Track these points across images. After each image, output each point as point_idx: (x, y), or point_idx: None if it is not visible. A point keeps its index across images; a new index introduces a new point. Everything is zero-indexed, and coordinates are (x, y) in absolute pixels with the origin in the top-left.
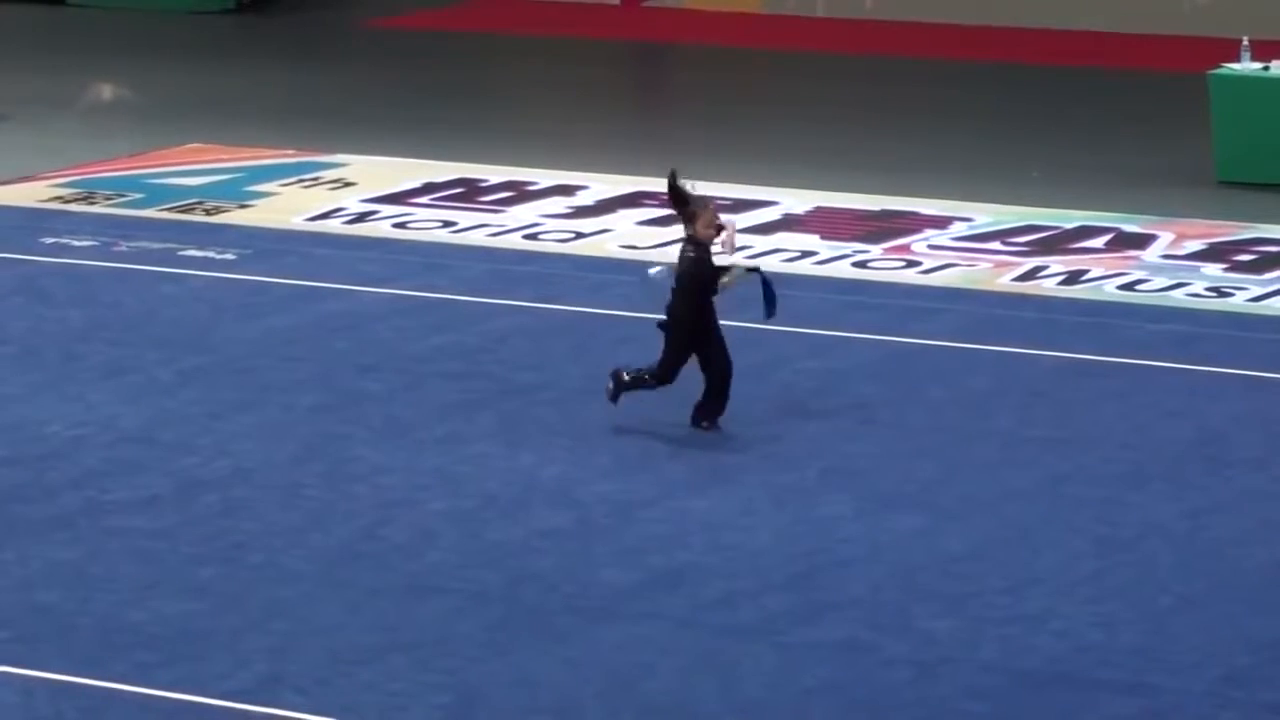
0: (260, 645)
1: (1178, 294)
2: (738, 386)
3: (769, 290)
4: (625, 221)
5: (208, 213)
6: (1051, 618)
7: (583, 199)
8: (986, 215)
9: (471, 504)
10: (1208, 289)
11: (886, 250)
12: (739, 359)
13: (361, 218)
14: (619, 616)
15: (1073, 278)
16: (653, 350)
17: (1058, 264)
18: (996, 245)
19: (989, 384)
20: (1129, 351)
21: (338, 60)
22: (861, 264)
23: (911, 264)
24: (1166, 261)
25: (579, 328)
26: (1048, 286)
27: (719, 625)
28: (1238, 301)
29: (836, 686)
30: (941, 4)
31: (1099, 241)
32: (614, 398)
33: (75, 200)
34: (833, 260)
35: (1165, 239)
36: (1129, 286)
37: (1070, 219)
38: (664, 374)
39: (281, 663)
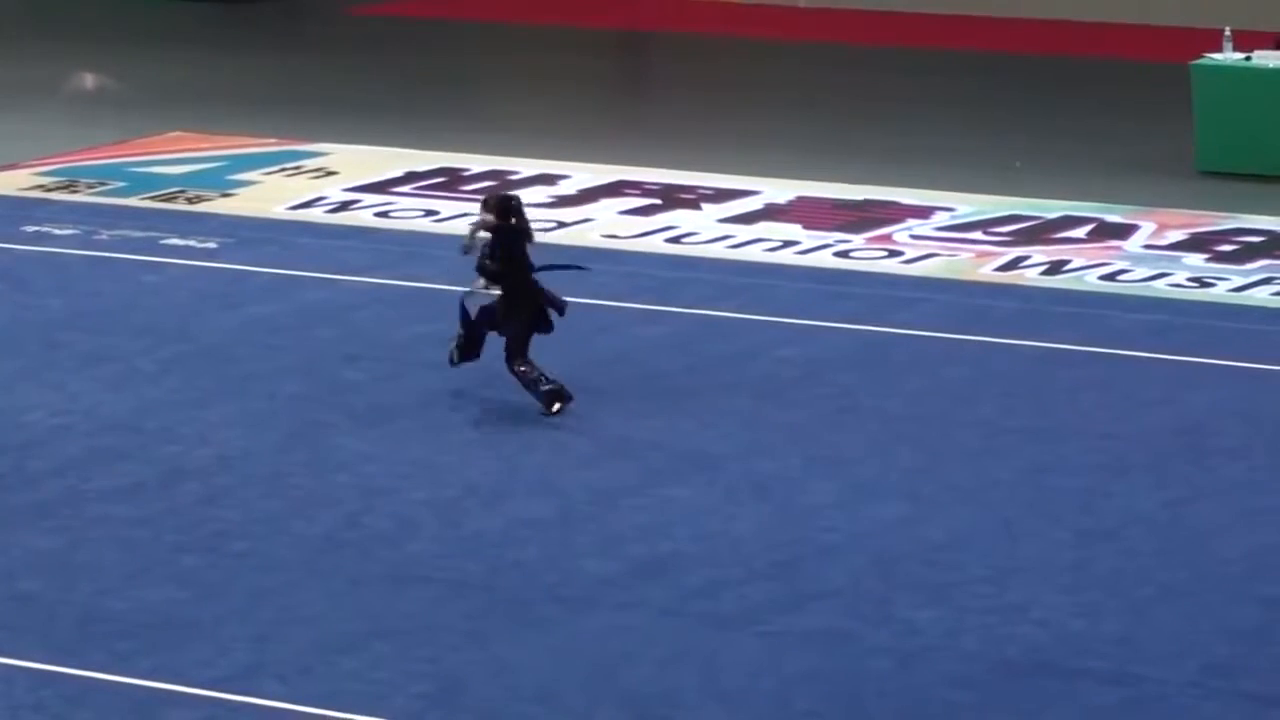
0: (242, 634)
1: (1159, 284)
2: (716, 374)
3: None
4: (607, 211)
5: (190, 201)
6: (1033, 607)
7: (565, 188)
8: (968, 205)
9: (453, 493)
10: (1189, 279)
11: (868, 240)
12: (719, 347)
13: (344, 206)
14: (601, 605)
15: (1054, 268)
16: (631, 339)
17: (1040, 254)
18: (978, 235)
19: (970, 374)
20: (1110, 341)
21: (321, 49)
22: (843, 253)
23: (893, 254)
24: (1148, 251)
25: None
26: (1029, 276)
27: (701, 614)
28: (1219, 291)
29: (818, 675)
30: None
31: (1081, 231)
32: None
33: (57, 188)
34: (814, 250)
35: (1147, 229)
36: (1111, 277)
37: (1052, 209)
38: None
39: (263, 651)
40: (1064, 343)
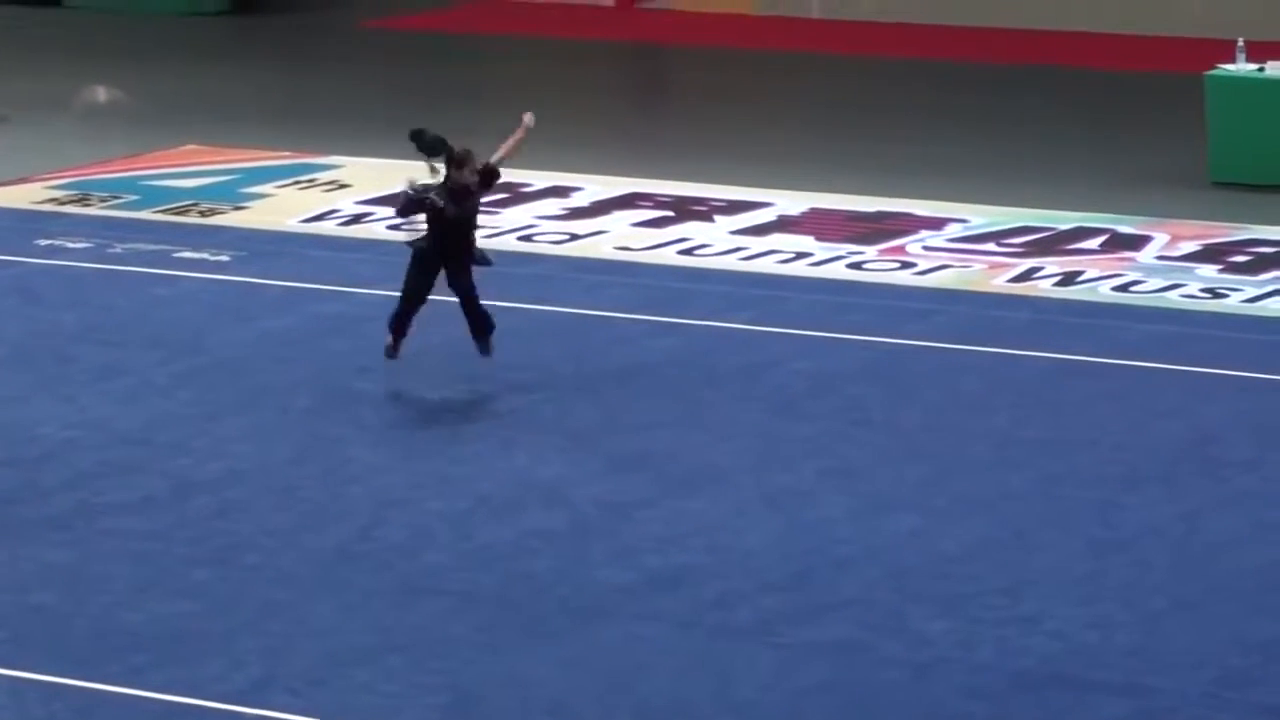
0: (254, 646)
1: (1172, 295)
2: (729, 386)
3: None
4: (620, 223)
5: (203, 214)
6: (1046, 619)
7: (577, 200)
8: (981, 216)
9: (466, 505)
10: (1202, 290)
11: (881, 252)
12: (731, 359)
13: (357, 219)
14: (614, 617)
15: (1068, 279)
16: (643, 351)
17: (1053, 265)
18: (991, 246)
19: (983, 385)
20: (1124, 353)
21: (333, 62)
22: (856, 265)
23: (906, 265)
24: (1161, 263)
25: (573, 329)
26: (1043, 288)
27: (714, 626)
28: (1232, 303)
29: (832, 687)
30: (935, 5)
31: (1094, 243)
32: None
33: (70, 202)
34: (827, 262)
35: (1160, 240)
36: (1124, 288)
37: (1065, 220)
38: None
39: (276, 664)
40: (1077, 354)
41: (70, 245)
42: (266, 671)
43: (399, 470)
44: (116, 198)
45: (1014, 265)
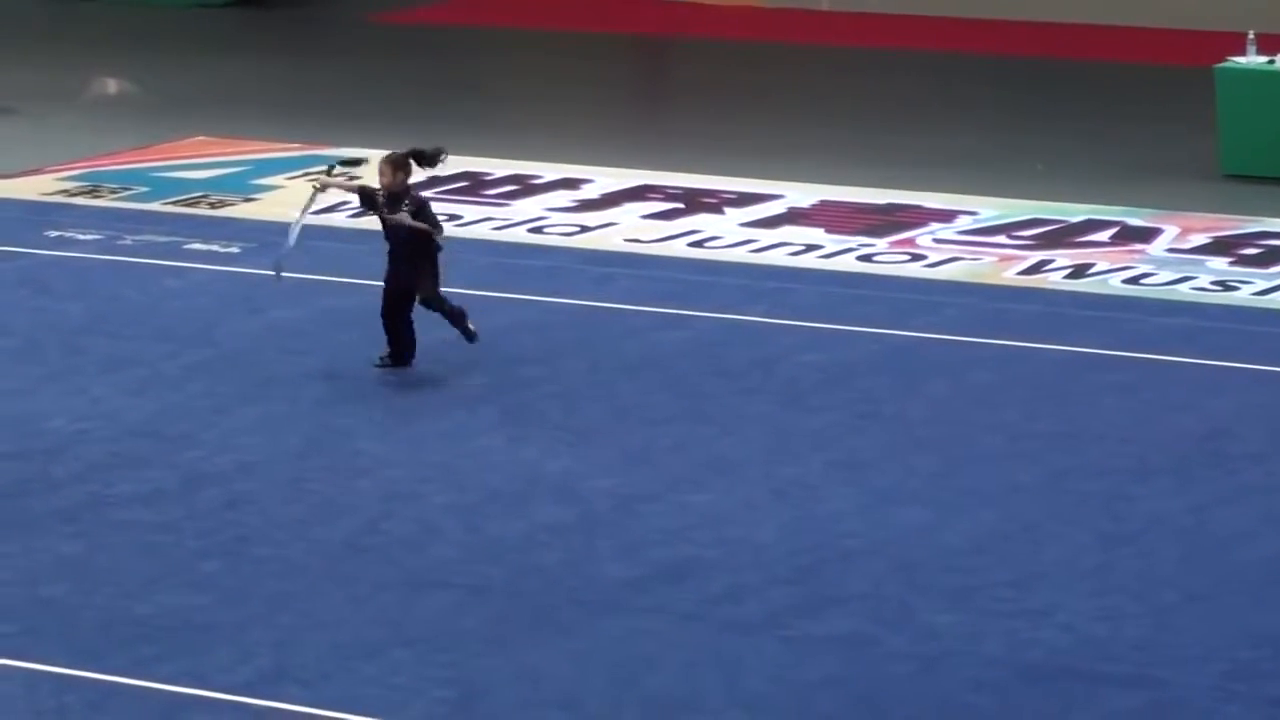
0: (263, 639)
1: (1183, 288)
2: (738, 379)
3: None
4: (630, 215)
5: (212, 206)
6: (1055, 611)
7: (588, 192)
8: (992, 209)
9: (475, 498)
10: (1213, 283)
11: (891, 244)
12: (741, 352)
13: (367, 211)
14: (622, 610)
15: (1078, 271)
16: (653, 344)
17: (1063, 257)
18: (1002, 239)
19: (993, 378)
20: (1134, 345)
21: (342, 54)
22: (866, 258)
23: (916, 258)
24: (1172, 255)
25: (583, 321)
26: (1053, 280)
27: (722, 619)
28: (1243, 295)
29: (840, 680)
30: None
31: (1104, 235)
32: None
33: (80, 194)
34: (838, 254)
35: (1171, 233)
36: (1134, 280)
37: (1076, 212)
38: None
39: (285, 656)
40: (1087, 346)
41: (80, 237)
42: (275, 664)
43: (408, 463)
44: (126, 189)
45: (1024, 258)
